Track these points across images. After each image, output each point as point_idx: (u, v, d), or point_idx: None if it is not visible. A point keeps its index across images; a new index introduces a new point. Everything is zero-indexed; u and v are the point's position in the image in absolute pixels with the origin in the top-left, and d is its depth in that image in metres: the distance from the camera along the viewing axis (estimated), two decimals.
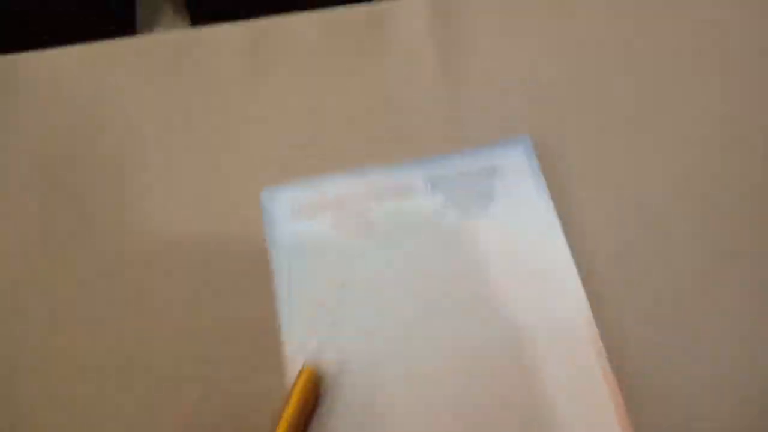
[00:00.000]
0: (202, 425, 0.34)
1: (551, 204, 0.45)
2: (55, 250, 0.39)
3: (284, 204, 0.44)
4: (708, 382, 0.37)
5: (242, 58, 0.48)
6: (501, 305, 0.42)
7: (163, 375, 0.36)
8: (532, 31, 0.50)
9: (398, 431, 0.38)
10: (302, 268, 0.42)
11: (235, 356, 0.38)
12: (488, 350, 0.41)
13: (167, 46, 0.47)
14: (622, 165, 0.46)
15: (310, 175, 0.45)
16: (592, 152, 0.47)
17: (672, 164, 0.46)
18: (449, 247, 0.43)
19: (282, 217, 0.44)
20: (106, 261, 0.40)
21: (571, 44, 0.50)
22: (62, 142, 0.44)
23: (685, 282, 0.41)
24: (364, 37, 0.49)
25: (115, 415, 0.33)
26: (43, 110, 0.45)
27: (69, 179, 0.43)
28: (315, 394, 0.37)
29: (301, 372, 0.38)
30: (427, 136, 0.47)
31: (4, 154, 0.43)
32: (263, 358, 0.38)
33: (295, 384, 0.36)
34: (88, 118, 0.45)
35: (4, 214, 0.41)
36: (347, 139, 0.47)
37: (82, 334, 0.36)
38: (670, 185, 0.45)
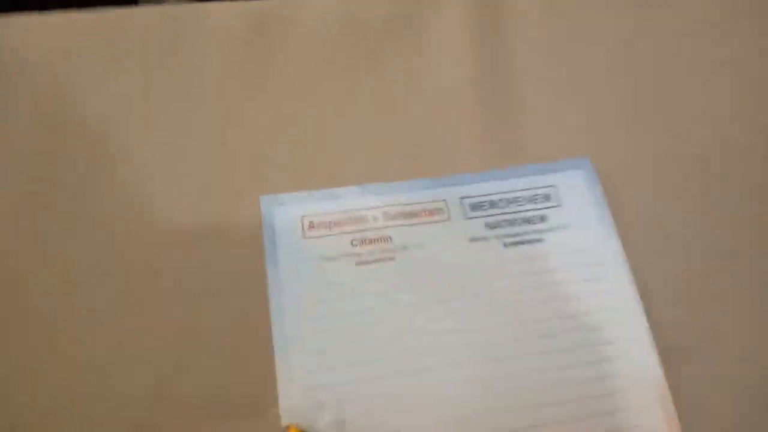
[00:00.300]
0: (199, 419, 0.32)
1: (616, 237, 0.36)
2: (47, 247, 0.35)
3: (288, 214, 0.36)
4: None
5: (248, 41, 0.41)
6: (553, 350, 0.33)
7: (161, 373, 0.33)
8: (595, 39, 0.43)
9: None
10: (303, 296, 0.34)
11: (228, 365, 0.33)
12: (540, 397, 0.32)
13: (168, 20, 0.40)
14: (691, 195, 0.38)
15: (320, 185, 0.37)
16: (658, 180, 0.39)
17: (745, 191, 0.38)
18: (488, 283, 0.35)
19: (284, 230, 0.35)
20: (99, 258, 0.35)
21: (637, 57, 0.43)
22: (50, 122, 0.38)
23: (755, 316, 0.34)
24: (395, 30, 0.42)
25: (113, 411, 0.32)
26: (32, 78, 0.38)
27: (57, 167, 0.37)
28: None
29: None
30: (463, 152, 0.39)
31: None
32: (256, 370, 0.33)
33: None
34: (78, 93, 0.38)
35: None
36: (367, 147, 0.39)
37: (75, 332, 0.34)
38: (744, 217, 0.37)
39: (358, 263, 0.35)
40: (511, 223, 0.36)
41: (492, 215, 0.37)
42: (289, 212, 0.36)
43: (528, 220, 0.37)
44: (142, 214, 0.36)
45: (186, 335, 0.33)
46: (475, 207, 0.37)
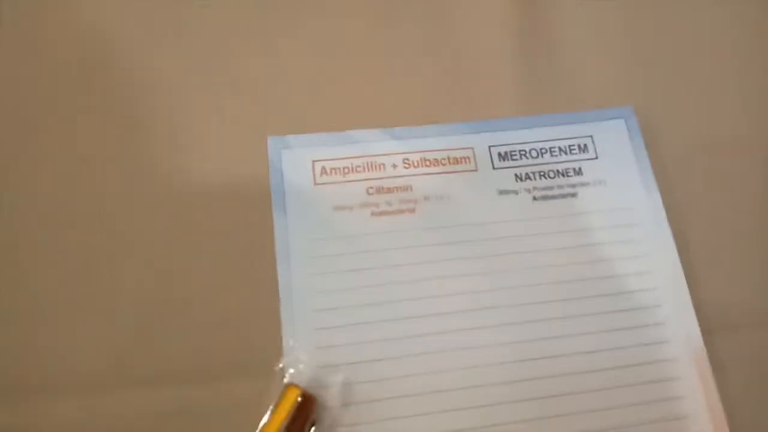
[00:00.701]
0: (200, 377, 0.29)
1: (658, 195, 0.33)
2: (44, 185, 0.32)
3: (298, 158, 0.32)
4: None
5: None
6: (581, 315, 0.30)
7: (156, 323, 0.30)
8: None
9: None
10: (313, 248, 0.31)
11: (230, 320, 0.30)
12: (568, 365, 0.29)
13: None
14: (742, 152, 0.35)
15: (335, 128, 0.33)
16: (706, 135, 0.35)
17: None
18: (516, 241, 0.32)
19: (293, 175, 0.32)
20: (99, 199, 0.32)
21: (686, 3, 0.38)
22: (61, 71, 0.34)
23: None
24: None
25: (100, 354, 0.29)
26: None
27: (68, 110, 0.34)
28: (305, 415, 0.27)
29: (287, 390, 0.27)
30: (494, 97, 0.35)
31: None
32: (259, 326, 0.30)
33: (281, 402, 0.27)
34: (89, 42, 0.35)
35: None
36: (389, 88, 0.35)
37: (76, 271, 0.31)
38: None
39: (374, 214, 0.32)
40: (543, 175, 0.33)
41: (522, 166, 0.33)
42: (299, 155, 0.32)
43: (561, 173, 0.33)
44: (142, 155, 0.33)
45: (185, 286, 0.30)
46: (504, 156, 0.33)
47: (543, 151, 0.34)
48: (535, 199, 0.32)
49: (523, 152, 0.33)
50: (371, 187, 0.32)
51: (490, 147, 0.33)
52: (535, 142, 0.34)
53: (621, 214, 0.32)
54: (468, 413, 0.28)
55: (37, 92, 0.34)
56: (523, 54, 0.36)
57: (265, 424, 0.27)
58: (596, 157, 0.34)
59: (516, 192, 0.33)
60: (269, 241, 0.31)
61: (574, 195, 0.33)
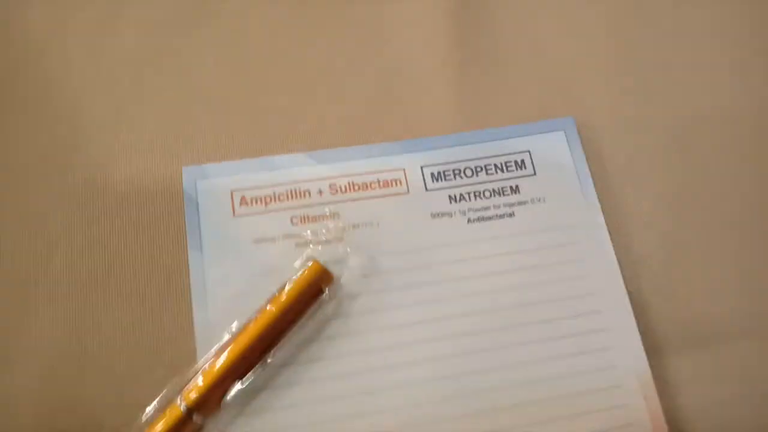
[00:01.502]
0: None
1: (599, 207, 0.31)
2: None
3: (215, 188, 0.30)
4: None
5: None
6: (525, 341, 0.28)
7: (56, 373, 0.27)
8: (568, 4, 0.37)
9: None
10: (232, 288, 0.28)
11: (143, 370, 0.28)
12: (516, 393, 0.27)
13: None
14: (684, 164, 0.33)
15: (254, 153, 0.31)
16: (648, 148, 0.34)
17: (739, 158, 0.33)
18: (451, 266, 0.30)
19: (210, 207, 0.30)
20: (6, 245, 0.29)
21: (627, 13, 0.37)
22: None
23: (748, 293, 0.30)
24: None
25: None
26: None
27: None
28: (317, 290, 0.28)
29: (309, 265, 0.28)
30: (427, 114, 0.33)
31: None
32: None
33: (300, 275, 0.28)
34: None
35: None
36: (312, 108, 0.33)
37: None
38: (738, 187, 0.32)
39: (299, 245, 0.30)
40: (479, 195, 0.31)
41: (456, 186, 0.31)
42: (216, 185, 0.30)
43: (498, 192, 0.31)
44: (49, 183, 0.30)
45: (96, 332, 0.28)
46: (438, 177, 0.31)
47: (478, 169, 0.32)
48: (470, 221, 0.31)
49: (457, 171, 0.32)
50: (295, 217, 0.30)
51: (422, 167, 0.32)
52: (470, 160, 0.32)
53: (561, 233, 0.31)
54: None
55: None
56: (457, 67, 0.35)
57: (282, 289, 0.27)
58: (534, 174, 0.32)
59: (450, 214, 0.31)
60: (185, 280, 0.28)
61: (511, 215, 0.31)
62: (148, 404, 0.27)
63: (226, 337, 0.27)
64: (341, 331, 0.28)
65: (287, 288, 0.27)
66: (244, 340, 0.26)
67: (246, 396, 0.27)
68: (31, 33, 0.33)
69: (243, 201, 0.30)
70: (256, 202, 0.30)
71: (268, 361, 0.26)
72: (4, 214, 0.30)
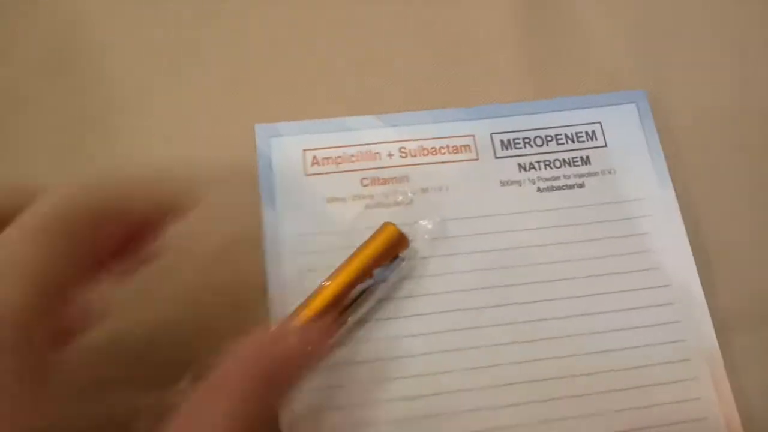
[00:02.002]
0: None
1: (670, 182, 0.31)
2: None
3: (288, 147, 0.30)
4: None
5: None
6: (590, 313, 0.28)
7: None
8: None
9: None
10: (305, 243, 0.29)
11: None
12: (579, 366, 0.28)
13: None
14: (756, 138, 0.33)
15: (327, 115, 0.32)
16: (724, 123, 0.33)
17: None
18: (518, 235, 0.30)
19: (283, 165, 0.30)
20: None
21: None
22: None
23: None
24: None
25: None
26: None
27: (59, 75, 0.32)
28: (393, 253, 0.28)
29: (384, 226, 0.28)
30: (497, 80, 0.33)
31: None
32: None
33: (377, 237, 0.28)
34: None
35: None
36: (385, 72, 0.33)
37: None
38: None
39: (369, 206, 0.30)
40: (548, 164, 0.31)
41: (526, 155, 0.31)
42: (289, 144, 0.31)
43: (568, 162, 0.31)
44: (122, 143, 0.31)
45: (169, 283, 0.28)
46: (507, 145, 0.31)
47: (548, 138, 0.32)
48: (539, 190, 0.31)
49: (527, 140, 0.32)
50: (366, 178, 0.30)
51: (492, 134, 0.31)
52: (540, 129, 0.32)
53: (630, 206, 0.30)
54: (473, 415, 0.27)
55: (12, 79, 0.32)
56: (528, 35, 0.34)
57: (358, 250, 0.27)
58: (605, 145, 0.32)
59: (519, 183, 0.31)
60: (258, 236, 0.29)
61: (581, 186, 0.31)
62: None
63: (301, 298, 0.28)
64: (413, 292, 0.28)
65: (363, 249, 0.27)
66: (323, 298, 0.26)
67: None
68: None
69: (315, 161, 0.30)
70: (328, 162, 0.30)
71: (348, 320, 0.27)
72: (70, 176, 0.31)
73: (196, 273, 0.29)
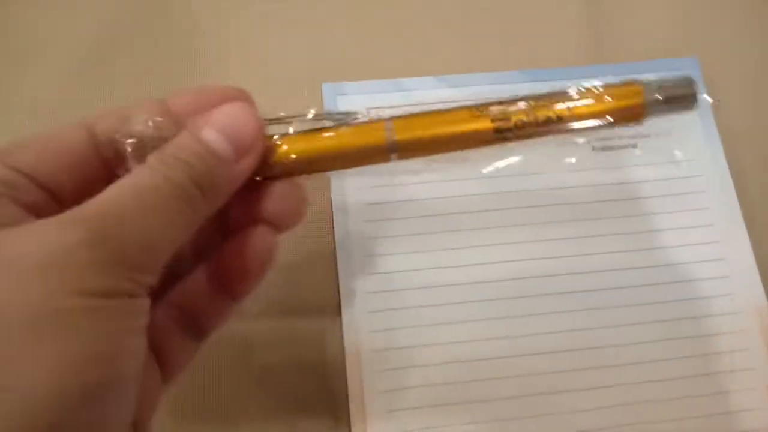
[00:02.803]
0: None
1: (721, 150, 0.32)
2: None
3: (353, 106, 0.32)
4: None
5: None
6: (640, 278, 0.30)
7: None
8: None
9: None
10: (369, 207, 0.30)
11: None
12: (625, 335, 0.29)
13: None
14: None
15: (390, 75, 0.33)
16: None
17: None
18: (574, 192, 0.31)
19: None
20: None
21: None
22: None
23: None
24: None
25: None
26: None
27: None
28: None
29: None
30: (552, 46, 0.34)
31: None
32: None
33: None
34: None
35: None
36: (444, 35, 0.34)
37: None
38: None
39: (431, 169, 0.31)
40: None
41: None
42: (353, 103, 0.32)
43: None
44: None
45: None
46: None
47: None
48: (594, 149, 0.32)
49: None
50: None
51: None
52: None
53: (682, 166, 0.32)
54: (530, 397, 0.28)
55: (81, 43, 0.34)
56: (580, 1, 0.35)
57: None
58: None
59: (575, 143, 0.32)
60: (326, 199, 0.30)
61: (634, 146, 0.32)
62: None
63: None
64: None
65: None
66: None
67: None
68: None
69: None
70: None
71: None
72: None
73: None
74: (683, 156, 0.32)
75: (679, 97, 0.24)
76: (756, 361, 0.29)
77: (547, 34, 0.35)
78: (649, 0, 0.36)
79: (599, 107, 0.24)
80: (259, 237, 0.21)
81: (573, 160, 0.31)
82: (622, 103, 0.24)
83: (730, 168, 0.32)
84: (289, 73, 0.33)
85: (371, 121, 0.23)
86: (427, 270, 0.29)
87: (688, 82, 0.24)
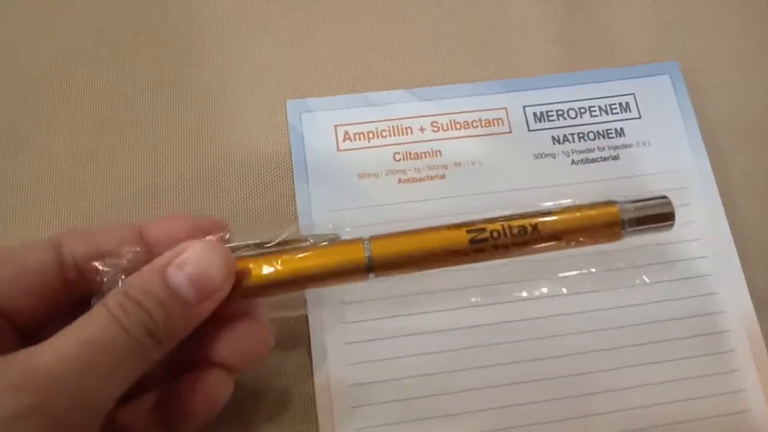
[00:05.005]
0: None
1: (705, 154, 0.31)
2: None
3: (319, 123, 0.30)
4: None
5: None
6: (624, 286, 0.28)
7: None
8: None
9: None
10: (337, 218, 0.29)
11: None
12: (615, 338, 0.27)
13: None
14: None
15: (358, 89, 0.31)
16: (758, 93, 0.33)
17: None
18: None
19: (315, 141, 0.30)
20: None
21: None
22: None
23: None
24: None
25: None
26: None
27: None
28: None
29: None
30: (528, 53, 0.33)
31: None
32: None
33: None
34: None
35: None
36: (414, 45, 0.33)
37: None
38: None
39: (402, 181, 0.30)
40: (582, 136, 0.31)
41: (560, 127, 0.31)
42: (320, 119, 0.30)
43: (602, 134, 0.31)
44: (156, 117, 0.31)
45: None
46: (540, 117, 0.31)
47: (582, 110, 0.31)
48: (574, 162, 0.30)
49: (560, 112, 0.31)
50: (398, 153, 0.30)
51: (524, 107, 0.31)
52: (572, 101, 0.31)
53: (666, 177, 0.30)
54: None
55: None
56: (558, 5, 0.34)
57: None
58: (639, 117, 0.31)
59: (553, 155, 0.30)
60: (291, 212, 0.29)
61: (616, 158, 0.30)
62: None
63: None
64: None
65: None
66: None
67: None
68: None
69: (346, 136, 0.30)
70: (360, 137, 0.30)
71: None
72: (119, 147, 0.30)
73: None
74: (667, 167, 0.30)
75: (655, 216, 0.24)
76: (741, 361, 0.27)
77: (523, 42, 0.33)
78: (628, 5, 0.34)
79: (575, 224, 0.24)
80: (212, 381, 0.21)
81: (550, 175, 0.30)
82: (598, 223, 0.24)
83: (715, 176, 0.30)
84: (251, 91, 0.31)
85: (348, 242, 0.23)
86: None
87: (665, 202, 0.24)
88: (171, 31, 0.32)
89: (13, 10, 0.32)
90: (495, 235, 0.23)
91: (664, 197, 0.25)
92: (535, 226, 0.23)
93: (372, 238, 0.23)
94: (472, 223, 0.23)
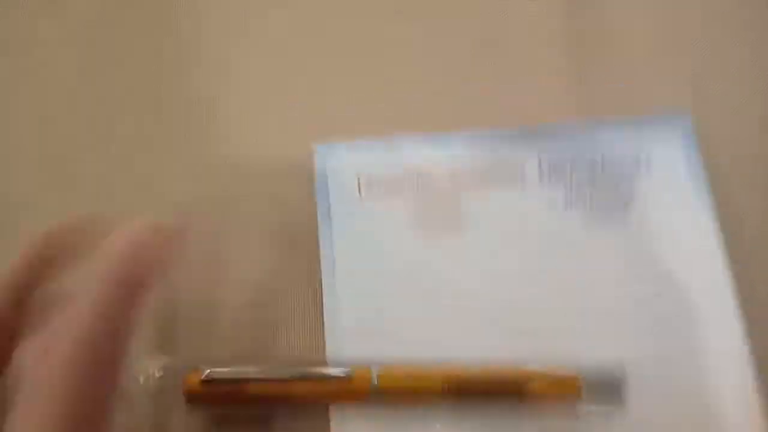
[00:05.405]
0: None
1: (712, 222, 0.32)
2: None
3: (344, 170, 0.32)
4: None
5: None
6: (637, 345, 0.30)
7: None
8: None
9: None
10: (357, 262, 0.30)
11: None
12: None
13: None
14: None
15: (379, 132, 0.33)
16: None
17: None
18: (566, 263, 0.31)
19: (338, 186, 0.31)
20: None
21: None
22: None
23: None
24: None
25: None
26: None
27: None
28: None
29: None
30: (540, 101, 0.34)
31: None
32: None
33: None
34: None
35: None
36: (431, 92, 0.34)
37: None
38: None
39: (420, 230, 0.31)
40: (594, 188, 0.32)
41: (573, 181, 0.32)
42: (344, 167, 0.32)
43: (612, 188, 0.32)
44: (179, 153, 0.32)
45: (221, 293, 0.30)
46: (556, 169, 0.32)
47: (593, 163, 0.32)
48: (583, 216, 0.32)
49: (573, 163, 0.32)
50: (418, 202, 0.31)
51: (539, 155, 0.32)
52: (586, 153, 0.32)
53: (670, 240, 0.31)
54: None
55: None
56: (566, 51, 0.35)
57: None
58: (646, 171, 0.32)
59: (567, 209, 0.32)
60: (314, 257, 0.30)
61: (624, 218, 0.32)
62: None
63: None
64: None
65: None
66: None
67: None
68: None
69: (368, 183, 0.31)
70: (380, 185, 0.31)
71: None
72: (135, 195, 0.32)
73: (255, 288, 0.30)
74: (673, 226, 0.31)
75: (604, 393, 0.28)
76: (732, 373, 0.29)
77: (537, 89, 0.34)
78: (641, 53, 0.35)
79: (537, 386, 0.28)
80: None
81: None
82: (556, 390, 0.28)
83: (724, 235, 0.31)
84: (276, 134, 0.32)
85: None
86: None
87: (616, 380, 0.28)
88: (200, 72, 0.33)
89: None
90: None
91: (616, 376, 0.28)
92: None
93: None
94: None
